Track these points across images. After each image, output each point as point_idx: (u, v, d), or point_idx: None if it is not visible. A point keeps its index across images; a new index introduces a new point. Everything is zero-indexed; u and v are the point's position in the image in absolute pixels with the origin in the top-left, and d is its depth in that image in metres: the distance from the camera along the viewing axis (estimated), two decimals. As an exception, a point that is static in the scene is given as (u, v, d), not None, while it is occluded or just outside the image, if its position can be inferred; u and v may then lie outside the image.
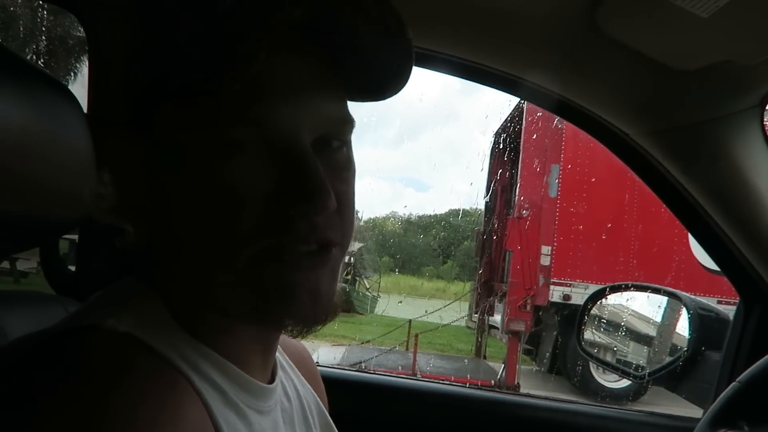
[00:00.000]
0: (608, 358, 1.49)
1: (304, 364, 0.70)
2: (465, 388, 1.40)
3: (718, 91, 0.89)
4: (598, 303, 1.52)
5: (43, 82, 0.68)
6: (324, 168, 0.48)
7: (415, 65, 0.54)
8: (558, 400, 1.34)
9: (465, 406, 1.24)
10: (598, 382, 6.45)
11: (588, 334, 1.51)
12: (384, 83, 0.53)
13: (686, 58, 0.81)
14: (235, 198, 0.47)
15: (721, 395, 0.83)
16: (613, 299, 1.53)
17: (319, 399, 0.68)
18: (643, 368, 1.44)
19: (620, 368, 1.40)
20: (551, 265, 6.89)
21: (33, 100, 0.64)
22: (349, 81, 0.52)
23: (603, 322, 1.53)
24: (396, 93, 0.54)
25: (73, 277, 1.02)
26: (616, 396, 6.20)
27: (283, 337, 0.61)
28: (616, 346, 1.53)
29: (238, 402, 0.51)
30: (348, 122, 0.53)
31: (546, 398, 1.32)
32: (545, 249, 6.97)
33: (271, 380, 0.58)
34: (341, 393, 0.78)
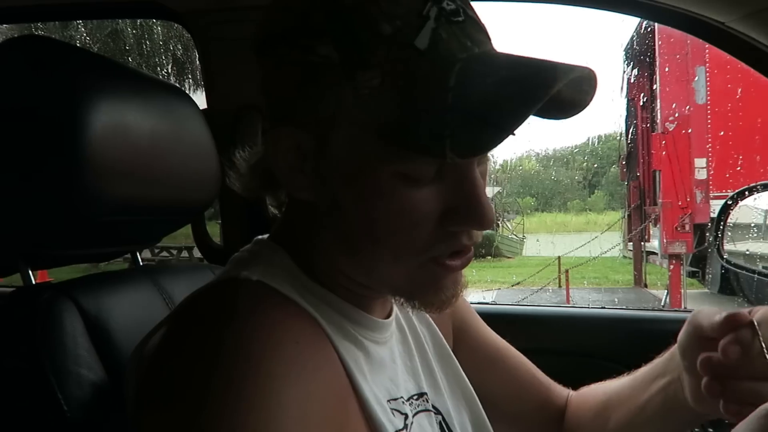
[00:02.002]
0: (754, 263, 1.40)
1: None
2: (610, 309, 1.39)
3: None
4: (739, 207, 1.42)
5: (163, 89, 0.83)
6: None
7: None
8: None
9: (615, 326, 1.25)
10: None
11: (730, 241, 1.42)
12: (559, 117, 0.56)
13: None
14: (410, 218, 0.51)
15: None
16: (755, 201, 1.42)
17: (440, 331, 0.74)
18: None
19: (764, 272, 1.31)
20: (708, 179, 6.30)
21: (158, 106, 0.79)
22: None
23: (746, 226, 1.44)
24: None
25: (219, 248, 1.20)
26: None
27: None
28: (764, 250, 1.43)
29: (356, 334, 0.58)
30: None
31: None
32: (700, 162, 6.38)
33: (388, 315, 0.65)
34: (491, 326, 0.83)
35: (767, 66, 0.97)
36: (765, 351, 0.52)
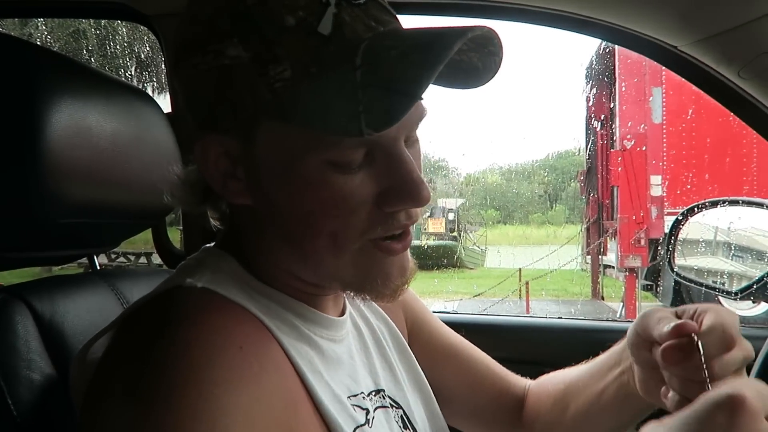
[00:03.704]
0: (703, 277, 1.46)
1: None
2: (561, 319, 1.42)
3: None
4: (689, 223, 1.47)
5: (127, 91, 0.82)
6: None
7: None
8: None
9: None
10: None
11: (680, 255, 1.48)
12: (476, 84, 0.57)
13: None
14: (347, 205, 0.52)
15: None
16: (704, 217, 1.48)
17: (395, 325, 0.75)
18: (744, 284, 1.39)
19: (716, 287, 1.36)
20: (663, 195, 6.51)
21: (121, 108, 0.78)
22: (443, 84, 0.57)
23: (696, 242, 1.49)
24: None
25: (180, 254, 1.19)
26: (749, 323, 5.83)
27: None
28: (712, 265, 1.48)
29: (310, 334, 0.59)
30: (425, 116, 0.57)
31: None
32: (655, 179, 6.59)
33: (342, 313, 0.66)
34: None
35: (716, 89, 1.02)
36: (704, 368, 0.53)
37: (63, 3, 1.21)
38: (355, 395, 0.60)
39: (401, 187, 0.53)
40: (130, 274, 0.84)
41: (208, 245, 0.64)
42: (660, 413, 0.52)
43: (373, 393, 0.64)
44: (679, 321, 0.57)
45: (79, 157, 0.67)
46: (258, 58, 0.50)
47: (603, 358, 0.75)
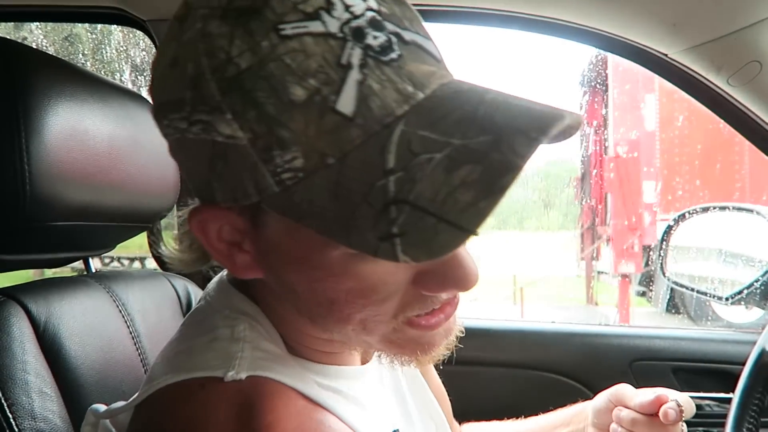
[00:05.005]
0: (695, 283, 1.47)
1: None
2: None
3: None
4: (680, 229, 1.49)
5: (123, 94, 0.82)
6: None
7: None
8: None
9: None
10: (721, 317, 6.11)
11: (672, 261, 1.49)
12: None
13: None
14: (377, 296, 0.43)
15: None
16: (694, 223, 1.49)
17: None
18: (733, 289, 1.40)
19: (707, 292, 1.38)
20: (656, 202, 6.55)
21: (117, 111, 0.78)
22: None
23: (687, 247, 1.51)
24: None
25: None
26: (743, 329, 5.84)
27: None
28: (703, 270, 1.50)
29: (339, 388, 0.53)
30: None
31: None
32: (648, 185, 6.63)
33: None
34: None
35: (706, 96, 1.03)
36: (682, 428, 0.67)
37: (58, 8, 1.22)
38: None
39: (443, 272, 0.43)
40: (125, 276, 0.84)
41: (224, 279, 0.56)
42: None
43: None
44: (660, 393, 0.66)
45: (75, 159, 0.67)
46: (258, 140, 0.38)
47: (547, 418, 0.79)
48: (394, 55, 0.39)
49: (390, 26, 0.39)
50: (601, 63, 7.11)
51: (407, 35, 0.40)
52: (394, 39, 0.39)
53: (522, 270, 8.57)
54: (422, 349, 0.48)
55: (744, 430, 0.78)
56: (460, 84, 0.40)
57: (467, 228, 0.35)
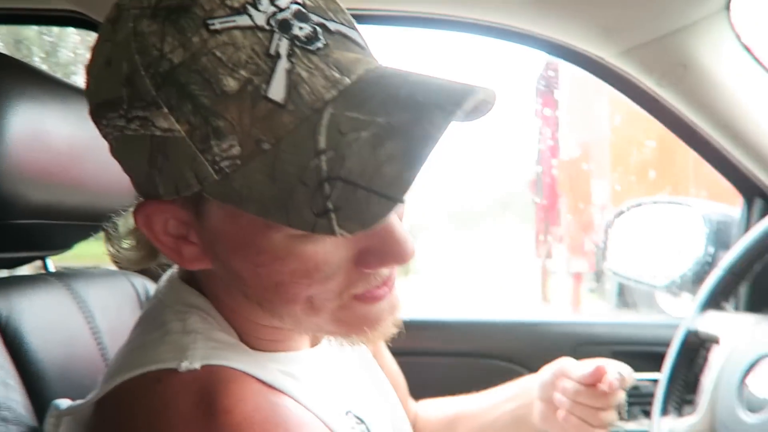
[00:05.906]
0: (636, 275, 1.56)
1: None
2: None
3: (678, 1, 0.94)
4: (623, 221, 1.57)
5: (82, 96, 0.83)
6: None
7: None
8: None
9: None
10: (664, 310, 6.37)
11: (615, 253, 1.57)
12: None
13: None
14: (321, 274, 0.45)
15: (705, 283, 0.91)
16: (632, 218, 1.57)
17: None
18: (669, 278, 1.49)
19: (647, 283, 1.46)
20: (607, 201, 6.78)
21: (77, 113, 0.79)
22: None
23: (627, 242, 1.59)
24: None
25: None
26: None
27: None
28: (642, 262, 1.58)
29: (292, 372, 0.54)
30: None
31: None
32: (599, 185, 6.86)
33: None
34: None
35: (641, 98, 1.11)
36: (624, 404, 0.73)
37: (9, 10, 1.20)
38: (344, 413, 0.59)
39: (381, 248, 0.46)
40: (85, 274, 0.85)
41: (174, 275, 0.57)
42: None
43: (344, 414, 0.62)
44: (599, 364, 0.72)
45: (36, 159, 0.69)
46: (195, 131, 0.40)
47: (495, 392, 0.84)
48: (320, 45, 0.41)
49: (315, 17, 0.42)
50: (553, 66, 7.33)
51: (332, 25, 0.43)
52: (319, 29, 0.42)
53: (477, 270, 8.74)
54: (369, 324, 0.50)
55: (671, 405, 0.85)
56: (385, 69, 0.43)
57: (395, 197, 0.38)
